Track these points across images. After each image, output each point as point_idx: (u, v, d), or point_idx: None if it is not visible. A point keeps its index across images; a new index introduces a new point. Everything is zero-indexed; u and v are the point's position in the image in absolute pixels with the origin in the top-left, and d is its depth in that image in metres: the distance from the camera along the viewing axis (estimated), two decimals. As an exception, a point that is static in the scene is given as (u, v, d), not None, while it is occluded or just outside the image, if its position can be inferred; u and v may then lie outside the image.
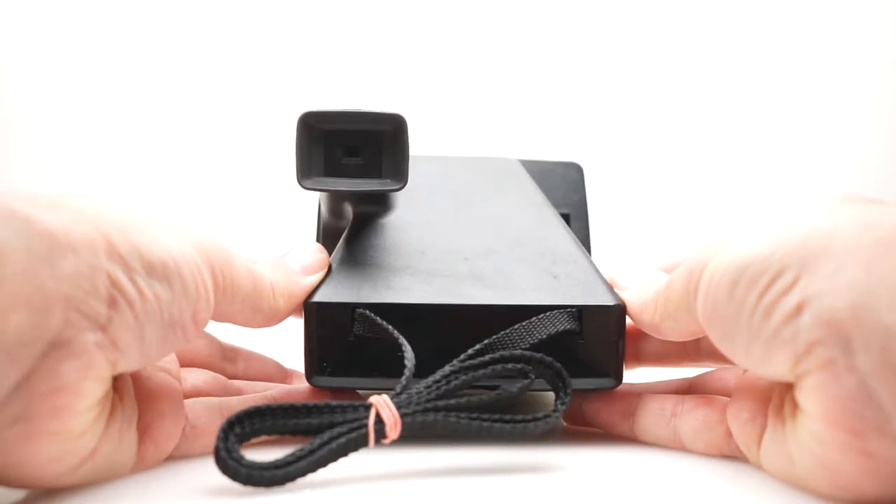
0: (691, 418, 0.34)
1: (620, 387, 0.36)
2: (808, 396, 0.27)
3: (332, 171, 0.36)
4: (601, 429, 0.37)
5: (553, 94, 0.72)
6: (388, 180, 0.36)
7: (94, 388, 0.27)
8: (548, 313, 0.34)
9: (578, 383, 0.35)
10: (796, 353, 0.27)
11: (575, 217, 0.44)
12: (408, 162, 0.36)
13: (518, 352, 0.32)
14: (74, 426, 0.27)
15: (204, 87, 0.78)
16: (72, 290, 0.26)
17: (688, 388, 0.38)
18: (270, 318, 0.35)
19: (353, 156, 0.36)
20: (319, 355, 0.35)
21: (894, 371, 0.25)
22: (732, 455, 0.33)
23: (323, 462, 0.29)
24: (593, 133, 0.71)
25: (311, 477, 0.29)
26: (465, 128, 0.74)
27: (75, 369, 0.26)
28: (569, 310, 0.35)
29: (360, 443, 0.29)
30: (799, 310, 0.27)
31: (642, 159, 0.71)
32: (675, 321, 0.33)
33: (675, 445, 0.34)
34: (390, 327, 0.34)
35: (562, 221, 0.40)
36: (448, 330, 0.34)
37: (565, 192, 0.44)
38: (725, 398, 0.34)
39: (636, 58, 0.71)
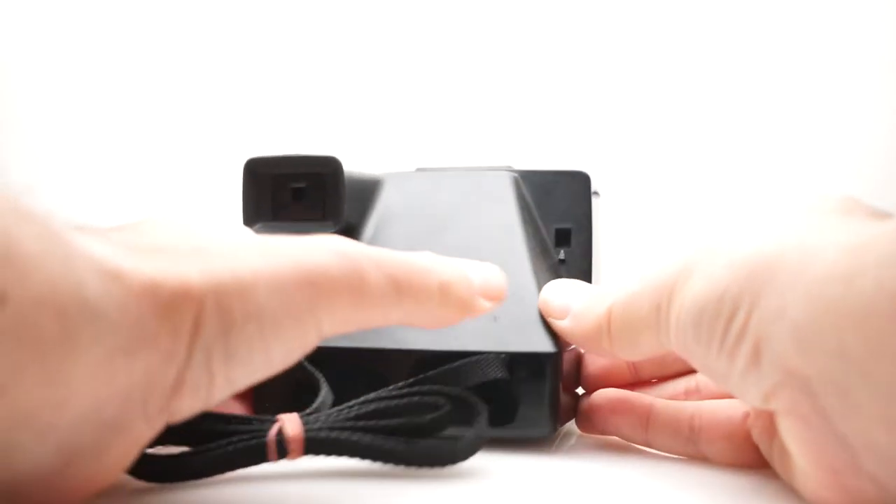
0: (716, 438, 0.33)
1: (630, 393, 0.35)
2: (786, 436, 0.26)
3: (280, 214, 0.38)
4: (618, 437, 0.36)
5: (564, 96, 0.71)
6: (329, 222, 0.37)
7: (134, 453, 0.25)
8: (473, 359, 0.34)
9: (510, 431, 0.34)
10: (765, 393, 0.26)
11: (577, 231, 0.42)
12: (344, 202, 0.37)
13: (437, 386, 0.32)
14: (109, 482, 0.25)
15: (194, 91, 0.79)
16: (141, 384, 0.23)
17: (696, 387, 0.37)
18: (437, 324, 0.31)
19: (299, 198, 0.38)
20: (262, 396, 0.36)
21: (856, 412, 0.23)
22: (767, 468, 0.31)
23: (216, 465, 0.29)
24: (603, 139, 0.70)
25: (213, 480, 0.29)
26: (490, 130, 0.72)
27: (121, 454, 0.24)
28: (499, 356, 0.34)
29: (259, 454, 0.29)
30: (756, 353, 0.25)
31: (640, 163, 0.69)
32: (635, 349, 0.32)
33: (700, 458, 0.33)
34: (311, 367, 0.34)
35: (529, 251, 0.39)
36: (383, 373, 0.34)
37: (569, 204, 0.42)
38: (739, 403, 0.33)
39: (637, 58, 0.69)
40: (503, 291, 0.32)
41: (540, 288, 0.37)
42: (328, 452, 0.30)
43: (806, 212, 0.27)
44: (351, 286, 0.27)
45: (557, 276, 0.41)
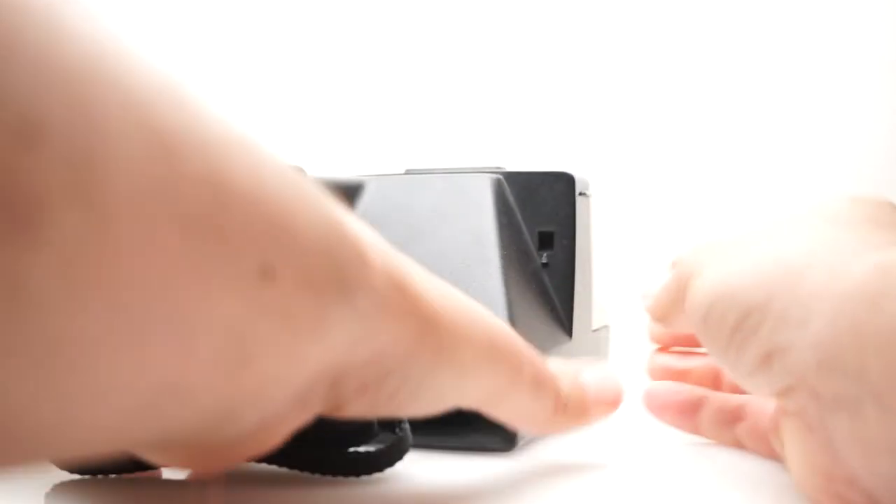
0: (754, 429, 0.33)
1: (681, 387, 0.36)
2: (787, 435, 0.26)
3: None
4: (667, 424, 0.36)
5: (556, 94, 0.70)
6: None
7: None
8: None
9: (471, 441, 0.35)
10: (774, 391, 0.26)
11: (561, 235, 0.41)
12: None
13: None
14: None
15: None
16: (341, 371, 0.22)
17: None
18: (539, 430, 0.32)
19: None
20: None
21: (862, 435, 0.23)
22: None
23: (133, 462, 0.30)
24: (603, 139, 0.68)
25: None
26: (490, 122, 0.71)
27: (289, 427, 0.23)
28: None
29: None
30: (769, 358, 0.25)
31: (641, 164, 0.67)
32: (674, 325, 0.33)
33: (738, 448, 0.34)
34: None
35: (502, 259, 0.38)
36: None
37: (553, 206, 0.41)
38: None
39: (634, 56, 0.66)
40: (619, 398, 0.32)
41: (509, 299, 0.37)
42: (258, 460, 0.31)
43: (835, 219, 0.27)
44: (510, 370, 0.27)
45: (538, 281, 0.40)
